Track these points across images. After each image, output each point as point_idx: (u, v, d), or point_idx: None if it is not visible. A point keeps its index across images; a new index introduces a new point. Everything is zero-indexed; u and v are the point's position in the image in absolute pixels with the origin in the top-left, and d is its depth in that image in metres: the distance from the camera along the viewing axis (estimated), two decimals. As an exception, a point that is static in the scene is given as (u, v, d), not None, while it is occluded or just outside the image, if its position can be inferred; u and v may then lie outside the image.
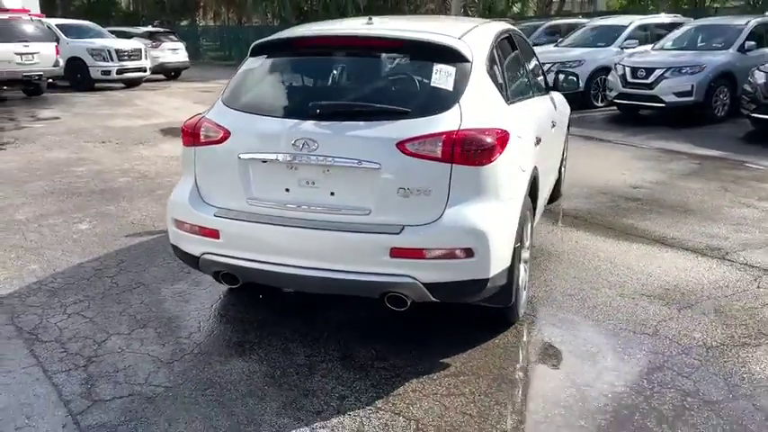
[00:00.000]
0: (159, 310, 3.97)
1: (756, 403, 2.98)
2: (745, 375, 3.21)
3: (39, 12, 30.02)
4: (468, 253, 3.04)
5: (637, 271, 4.55)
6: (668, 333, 3.64)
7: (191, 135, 3.45)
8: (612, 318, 3.84)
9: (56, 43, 16.49)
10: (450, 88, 3.22)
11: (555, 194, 6.21)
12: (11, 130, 11.26)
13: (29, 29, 16.01)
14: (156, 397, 3.02)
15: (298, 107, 3.36)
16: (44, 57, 15.72)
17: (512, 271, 3.30)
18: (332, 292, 3.40)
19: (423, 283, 3.06)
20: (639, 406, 2.95)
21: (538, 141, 3.93)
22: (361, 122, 3.13)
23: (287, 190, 3.20)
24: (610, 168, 7.84)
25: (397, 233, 3.03)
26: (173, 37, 23.23)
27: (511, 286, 3.34)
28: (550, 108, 4.95)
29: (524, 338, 3.61)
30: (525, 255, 3.83)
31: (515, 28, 4.88)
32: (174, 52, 22.39)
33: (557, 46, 14.63)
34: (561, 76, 5.33)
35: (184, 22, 40.45)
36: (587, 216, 5.92)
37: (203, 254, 3.38)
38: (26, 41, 15.51)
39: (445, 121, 3.09)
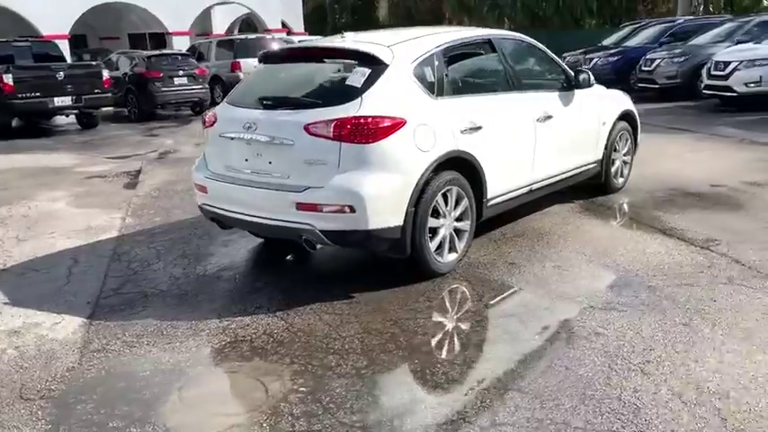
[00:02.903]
0: (205, 248, 5.53)
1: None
2: (600, 331, 3.71)
3: (302, 30, 34.64)
4: (351, 209, 4.05)
5: (599, 252, 4.96)
6: (559, 292, 4.21)
7: (204, 121, 4.93)
8: (523, 281, 4.47)
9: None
10: (359, 85, 4.23)
11: (606, 188, 6.55)
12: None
13: (270, 45, 19.27)
14: (150, 295, 4.54)
15: (253, 100, 4.64)
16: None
17: (404, 229, 4.20)
18: (269, 234, 4.65)
19: (319, 230, 4.13)
20: (483, 315, 3.72)
21: (476, 129, 4.65)
22: (285, 111, 4.32)
23: (246, 159, 4.49)
24: (711, 168, 7.71)
25: (301, 192, 4.15)
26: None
27: (405, 242, 4.24)
28: (541, 104, 5.43)
29: (430, 286, 4.42)
30: (459, 225, 4.64)
31: (506, 33, 5.59)
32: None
33: (757, 43, 13.62)
34: (581, 76, 5.83)
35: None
36: (622, 207, 6.25)
37: (202, 204, 4.84)
38: (266, 56, 18.73)
39: (343, 110, 4.12)
